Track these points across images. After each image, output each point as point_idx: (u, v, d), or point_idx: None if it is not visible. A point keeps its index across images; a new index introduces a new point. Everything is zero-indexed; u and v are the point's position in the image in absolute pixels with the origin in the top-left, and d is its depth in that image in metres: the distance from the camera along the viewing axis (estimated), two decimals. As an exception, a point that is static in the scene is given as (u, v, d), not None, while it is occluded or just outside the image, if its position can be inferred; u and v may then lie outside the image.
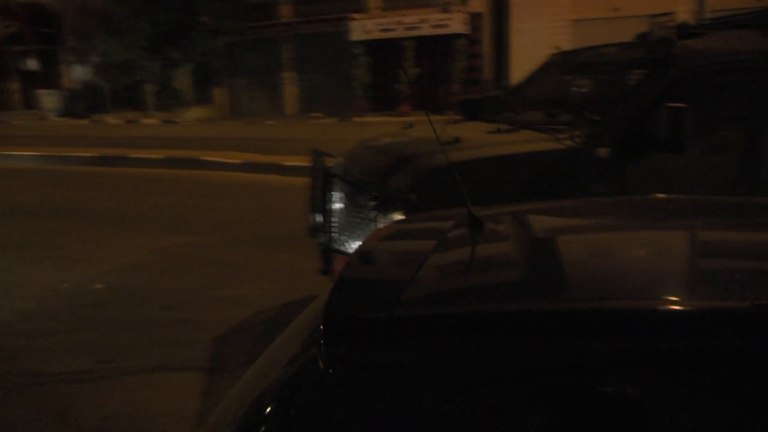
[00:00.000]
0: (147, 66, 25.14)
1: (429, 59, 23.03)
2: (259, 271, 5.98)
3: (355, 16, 23.01)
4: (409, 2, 23.19)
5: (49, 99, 29.51)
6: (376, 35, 22.66)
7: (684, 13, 21.99)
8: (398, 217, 3.31)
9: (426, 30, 22.34)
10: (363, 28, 22.73)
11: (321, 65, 24.75)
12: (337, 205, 3.97)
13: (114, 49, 24.43)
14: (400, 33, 22.50)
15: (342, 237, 3.92)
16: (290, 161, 11.75)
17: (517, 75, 22.84)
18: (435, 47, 22.71)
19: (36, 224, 8.41)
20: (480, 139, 3.90)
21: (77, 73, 30.08)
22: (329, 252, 3.94)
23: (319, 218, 4.04)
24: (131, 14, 23.93)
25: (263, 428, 1.20)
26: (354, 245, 3.68)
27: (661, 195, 2.73)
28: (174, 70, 25.93)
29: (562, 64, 4.90)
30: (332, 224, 3.93)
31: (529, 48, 22.72)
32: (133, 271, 6.19)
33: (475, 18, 22.59)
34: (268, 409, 1.23)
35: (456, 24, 22.20)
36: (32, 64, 29.28)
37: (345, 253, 3.73)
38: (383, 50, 23.09)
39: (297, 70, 25.41)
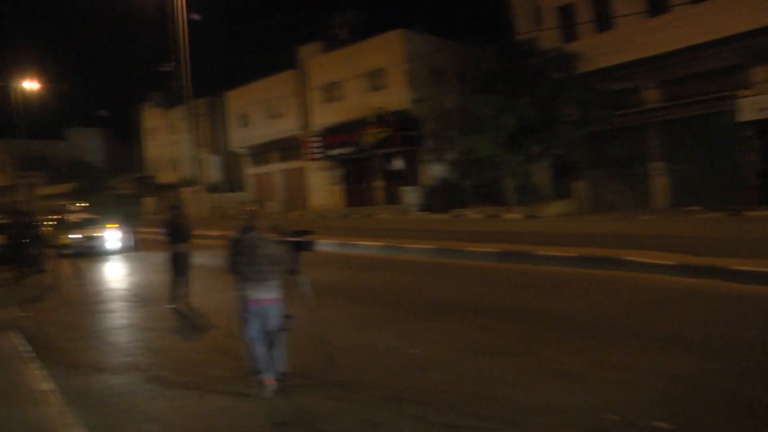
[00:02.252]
0: (508, 161, 25.48)
1: None
2: None
3: (743, 92, 20.58)
4: None
5: (410, 195, 31.61)
6: (770, 114, 19.90)
7: None
8: None
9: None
10: (755, 105, 20.11)
11: (694, 152, 22.58)
12: None
13: (479, 145, 25.20)
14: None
15: None
16: (736, 265, 10.13)
17: None
18: None
19: (488, 325, 8.00)
20: None
21: (435, 171, 31.87)
22: None
23: None
24: (497, 112, 24.56)
25: None
26: None
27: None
28: (533, 165, 25.89)
29: None
30: None
31: None
32: (670, 402, 5.14)
33: None
34: None
35: None
36: (397, 163, 31.74)
37: None
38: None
39: (665, 159, 23.52)
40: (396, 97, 31.67)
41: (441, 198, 30.27)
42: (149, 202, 50.88)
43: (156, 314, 10.36)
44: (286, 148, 41.03)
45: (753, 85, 20.90)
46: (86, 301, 12.32)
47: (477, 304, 9.38)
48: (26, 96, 49.15)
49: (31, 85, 44.02)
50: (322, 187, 38.48)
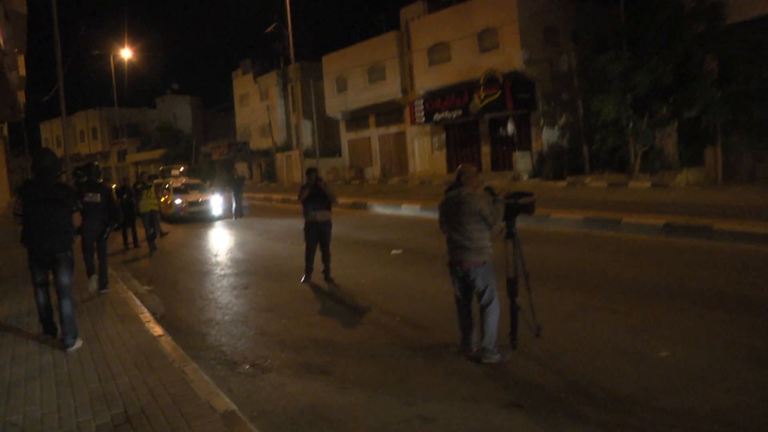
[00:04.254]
0: (635, 125, 23.68)
1: None
2: None
3: None
4: None
5: (522, 160, 30.15)
6: None
7: None
8: None
9: None
10: None
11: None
12: None
13: (606, 107, 23.44)
14: None
15: None
16: None
17: None
18: None
19: (729, 318, 6.68)
20: None
21: (548, 136, 30.23)
22: None
23: None
24: (627, 71, 22.76)
25: None
26: None
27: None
28: (662, 129, 23.97)
29: None
30: None
31: None
32: None
33: None
34: None
35: None
36: (508, 128, 30.25)
37: None
38: None
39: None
40: (507, 58, 30.02)
41: (555, 164, 28.67)
42: (242, 169, 51.13)
43: (298, 291, 9.42)
44: (386, 112, 40.01)
45: None
46: (210, 272, 11.59)
47: (689, 290, 8.00)
48: (120, 65, 50.06)
49: (125, 53, 44.45)
50: (423, 152, 37.38)
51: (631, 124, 23.84)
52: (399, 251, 12.29)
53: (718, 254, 10.35)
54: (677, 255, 10.53)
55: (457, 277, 5.80)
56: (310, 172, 10.19)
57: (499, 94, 29.76)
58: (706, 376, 5.15)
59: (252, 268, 11.64)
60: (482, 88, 30.35)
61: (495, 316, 5.67)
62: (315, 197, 9.92)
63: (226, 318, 7.99)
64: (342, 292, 9.09)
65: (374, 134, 41.73)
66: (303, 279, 9.88)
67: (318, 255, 9.95)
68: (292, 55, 34.51)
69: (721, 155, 23.43)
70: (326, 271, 9.97)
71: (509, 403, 4.78)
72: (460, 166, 6.01)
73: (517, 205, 5.87)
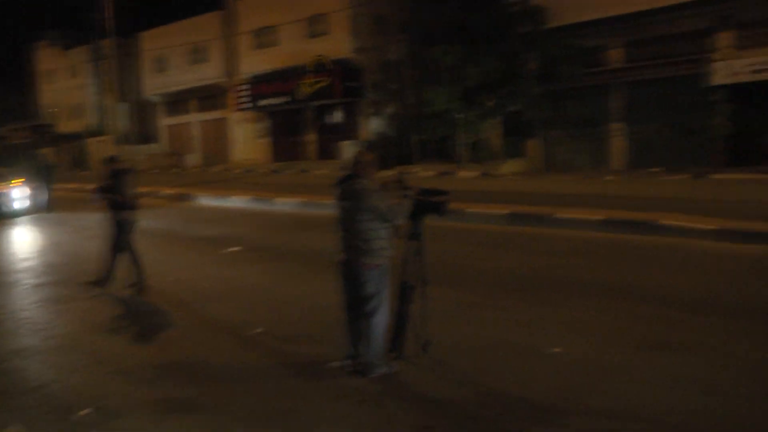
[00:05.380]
0: (466, 117, 24.29)
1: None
2: None
3: (717, 56, 20.25)
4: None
5: (350, 149, 29.79)
6: (745, 78, 19.63)
7: None
8: None
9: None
10: (729, 70, 19.80)
11: (658, 115, 22.15)
12: None
13: (438, 97, 23.81)
14: (778, 74, 19.29)
15: None
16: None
17: None
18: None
19: (615, 306, 6.65)
20: None
21: (376, 125, 30.22)
22: None
23: None
24: (459, 64, 23.22)
25: None
26: None
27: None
28: (488, 121, 24.82)
29: None
30: None
31: None
32: None
33: None
34: None
35: None
36: (335, 116, 29.86)
37: None
38: (749, 94, 19.97)
39: (627, 121, 23.01)
40: (337, 45, 29.52)
41: (382, 153, 28.65)
42: (48, 155, 46.17)
43: (135, 303, 8.00)
44: (208, 96, 37.96)
45: (721, 50, 20.61)
46: (18, 282, 9.50)
47: (557, 280, 7.96)
48: None
49: None
50: (246, 140, 35.91)
51: (461, 116, 24.40)
52: (237, 248, 11.25)
53: (564, 242, 10.56)
54: (529, 243, 10.63)
55: (347, 279, 5.10)
56: (111, 161, 8.51)
57: (327, 81, 29.25)
58: (607, 369, 5.05)
59: (74, 275, 9.57)
60: (311, 74, 29.66)
61: (382, 326, 5.08)
62: (115, 189, 8.25)
63: (48, 343, 6.48)
64: (186, 300, 7.92)
65: (196, 119, 39.50)
66: (125, 287, 8.46)
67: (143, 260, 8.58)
68: (108, 28, 31.50)
69: (542, 147, 24.84)
70: (139, 280, 8.47)
71: (419, 426, 4.20)
72: (356, 152, 5.34)
73: (426, 204, 5.25)
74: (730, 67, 19.93)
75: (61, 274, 9.85)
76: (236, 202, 18.73)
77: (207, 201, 19.82)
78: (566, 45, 21.97)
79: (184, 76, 37.84)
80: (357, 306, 5.12)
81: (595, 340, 5.67)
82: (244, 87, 33.54)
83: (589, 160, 23.79)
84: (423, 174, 24.86)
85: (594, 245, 10.20)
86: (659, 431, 4.04)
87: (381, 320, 5.08)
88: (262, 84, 32.63)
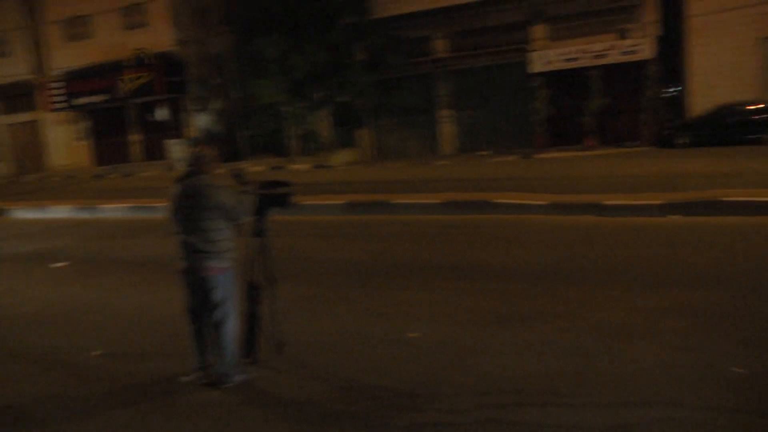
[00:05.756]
0: (292, 109, 24.00)
1: (614, 88, 21.43)
2: None
3: (533, 46, 21.67)
4: (577, 31, 21.83)
5: (176, 148, 28.44)
6: (559, 66, 21.16)
7: None
8: None
9: (613, 57, 20.83)
10: (544, 59, 21.26)
11: (484, 101, 23.29)
12: None
13: (264, 91, 23.30)
14: (585, 62, 21.01)
15: None
16: (608, 200, 10.43)
17: (698, 100, 21.15)
18: (621, 75, 21.16)
19: (464, 287, 6.75)
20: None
21: (202, 121, 29.10)
22: None
23: None
24: (284, 55, 22.85)
25: None
26: None
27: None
28: (317, 112, 24.73)
29: None
30: None
31: (710, 71, 21.18)
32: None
33: (656, 42, 21.09)
34: None
35: (645, 49, 20.64)
36: (161, 113, 28.37)
37: None
38: (563, 81, 21.57)
39: (455, 107, 23.94)
40: (158, 37, 27.96)
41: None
42: None
43: None
44: (15, 96, 34.43)
45: (536, 41, 22.08)
46: None
47: (403, 264, 7.98)
48: None
49: None
50: (64, 143, 33.09)
51: (289, 108, 24.08)
52: (63, 263, 10.18)
53: (405, 226, 10.70)
54: (370, 231, 10.62)
55: (192, 287, 4.69)
56: None
57: (149, 76, 27.73)
58: (466, 347, 5.08)
59: None
60: (131, 69, 27.95)
61: (233, 332, 4.74)
62: None
63: None
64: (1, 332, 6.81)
65: (3, 123, 35.79)
66: None
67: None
68: None
69: (373, 136, 25.22)
70: None
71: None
72: (196, 148, 4.95)
73: (270, 198, 4.94)
74: (545, 56, 21.44)
75: None
76: (58, 212, 17.13)
77: (23, 214, 17.94)
78: (391, 35, 22.41)
79: (-15, 74, 34.12)
80: (204, 314, 4.74)
81: (449, 321, 5.71)
82: (56, 84, 30.87)
83: (420, 147, 24.52)
84: (254, 169, 24.28)
85: (434, 228, 10.42)
86: (521, 398, 4.09)
87: (232, 326, 4.74)
88: (77, 80, 30.19)
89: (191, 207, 4.58)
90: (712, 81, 21.51)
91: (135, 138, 30.94)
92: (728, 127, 18.88)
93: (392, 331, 5.57)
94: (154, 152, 29.87)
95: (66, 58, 30.87)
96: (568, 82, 21.57)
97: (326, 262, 8.63)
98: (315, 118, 24.89)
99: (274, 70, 23.20)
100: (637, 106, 21.41)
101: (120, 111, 30.73)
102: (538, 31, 22.24)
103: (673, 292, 6.04)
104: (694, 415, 3.69)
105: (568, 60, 21.10)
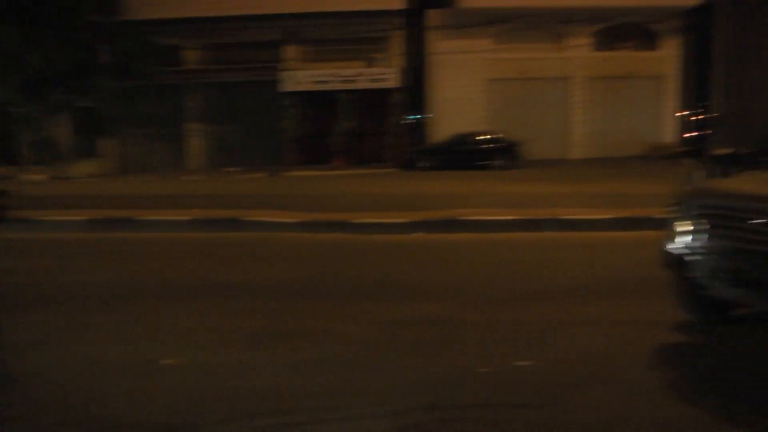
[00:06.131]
0: (26, 111, 21.65)
1: (362, 112, 22.61)
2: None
3: (286, 65, 22.02)
4: (329, 55, 22.76)
5: None
6: (309, 87, 21.77)
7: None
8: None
9: (362, 83, 22.00)
10: (295, 80, 21.72)
11: (236, 116, 23.12)
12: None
13: (-5, 90, 20.70)
14: (335, 85, 21.87)
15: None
16: (357, 218, 10.95)
17: (439, 128, 23.32)
18: (368, 100, 22.40)
19: (210, 306, 6.54)
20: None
21: None
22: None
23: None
24: (16, 48, 20.52)
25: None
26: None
27: None
28: (55, 117, 22.61)
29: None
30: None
31: (449, 103, 23.48)
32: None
33: (402, 73, 22.80)
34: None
35: (392, 79, 22.14)
36: None
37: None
38: (313, 102, 22.24)
39: (204, 121, 23.42)
40: None
41: None
42: None
43: None
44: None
45: (289, 61, 22.52)
46: None
47: (164, 284, 7.48)
48: None
49: None
50: None
51: (21, 110, 21.69)
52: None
53: (154, 245, 10.14)
54: (116, 250, 9.86)
55: None
56: None
57: None
58: (230, 371, 4.71)
59: None
60: None
61: None
62: None
63: None
64: None
65: None
66: None
67: None
68: None
69: (119, 146, 23.73)
70: None
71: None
72: None
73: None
74: (297, 77, 21.96)
75: None
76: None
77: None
78: (141, 40, 21.29)
79: None
80: None
81: (206, 344, 5.43)
82: None
83: (167, 161, 23.59)
84: (-25, 177, 21.51)
85: (185, 246, 10.00)
86: (288, 417, 4.01)
87: None
88: None
89: None
90: (450, 112, 23.80)
91: None
92: (463, 154, 21.00)
93: (144, 359, 5.13)
94: None
95: None
96: (318, 104, 22.31)
97: (67, 285, 7.79)
98: (52, 124, 22.68)
99: (2, 64, 20.71)
100: (383, 130, 22.85)
101: None
102: (291, 51, 22.72)
103: (420, 304, 6.44)
104: (456, 414, 3.96)
105: (319, 82, 21.85)
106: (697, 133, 34.18)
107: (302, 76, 21.87)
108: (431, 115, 24.58)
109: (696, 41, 27.10)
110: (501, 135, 21.60)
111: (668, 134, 26.19)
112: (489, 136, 21.72)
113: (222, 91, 23.00)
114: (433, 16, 24.41)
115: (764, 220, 4.40)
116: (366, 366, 4.80)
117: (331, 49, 22.65)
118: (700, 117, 34.65)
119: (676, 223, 5.12)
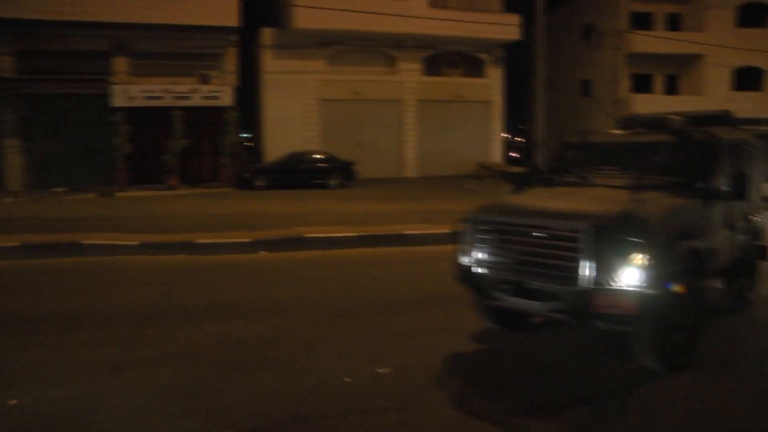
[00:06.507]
0: None
1: (196, 130, 22.21)
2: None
3: (116, 79, 21.07)
4: (161, 69, 22.17)
5: None
6: (142, 102, 21.02)
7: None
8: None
9: (196, 101, 21.65)
10: (126, 94, 20.86)
11: (60, 132, 21.70)
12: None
13: None
14: (168, 102, 21.29)
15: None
16: (199, 238, 10.94)
17: (272, 147, 23.53)
18: (203, 118, 22.07)
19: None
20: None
21: None
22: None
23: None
24: None
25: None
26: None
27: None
28: None
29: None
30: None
31: (282, 122, 23.84)
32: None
33: (235, 91, 22.73)
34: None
35: (226, 96, 22.01)
36: None
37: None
38: (145, 118, 21.48)
39: (23, 137, 21.71)
40: None
41: None
42: None
43: None
44: None
45: (119, 74, 21.60)
46: None
47: (9, 317, 6.99)
48: None
49: None
50: None
51: None
52: None
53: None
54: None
55: None
56: None
57: None
58: (84, 407, 4.56)
59: None
60: None
61: None
62: None
63: None
64: None
65: None
66: None
67: None
68: None
69: None
70: None
71: None
72: None
73: None
74: (127, 91, 21.15)
75: None
76: None
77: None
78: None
79: None
80: None
81: (55, 380, 5.03)
82: None
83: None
84: None
85: (15, 274, 9.40)
86: None
87: None
88: None
89: None
90: (284, 131, 24.09)
91: None
92: (299, 173, 21.31)
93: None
94: None
95: None
96: (150, 120, 21.57)
97: None
98: None
99: None
100: (218, 148, 22.60)
101: None
102: (121, 64, 21.82)
103: (273, 321, 6.65)
104: (326, 423, 4.24)
105: (151, 98, 21.21)
106: (518, 155, 37.50)
107: (134, 91, 21.05)
108: (264, 134, 24.71)
109: (517, 71, 29.74)
110: (335, 154, 22.20)
111: (495, 154, 28.30)
112: (324, 156, 22.27)
113: (44, 103, 21.46)
114: (267, 35, 24.65)
115: (544, 234, 4.91)
116: (228, 386, 4.95)
117: (163, 63, 22.05)
118: (521, 139, 38.04)
119: (465, 237, 5.47)
